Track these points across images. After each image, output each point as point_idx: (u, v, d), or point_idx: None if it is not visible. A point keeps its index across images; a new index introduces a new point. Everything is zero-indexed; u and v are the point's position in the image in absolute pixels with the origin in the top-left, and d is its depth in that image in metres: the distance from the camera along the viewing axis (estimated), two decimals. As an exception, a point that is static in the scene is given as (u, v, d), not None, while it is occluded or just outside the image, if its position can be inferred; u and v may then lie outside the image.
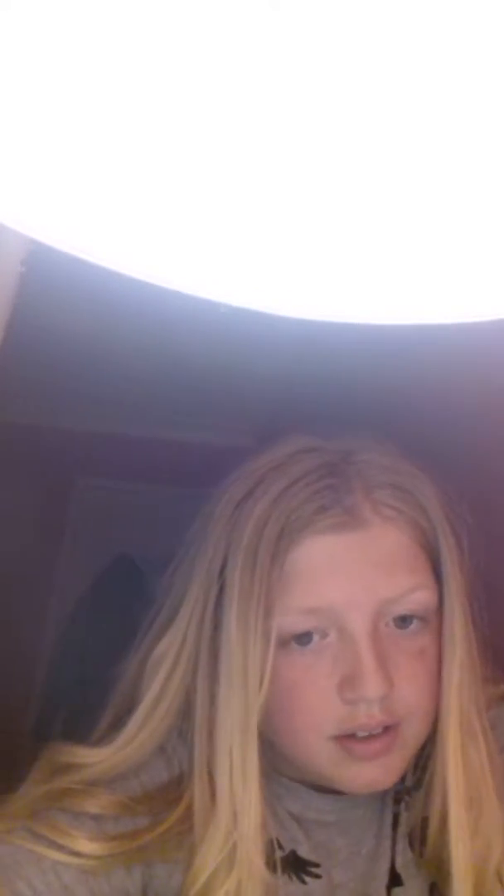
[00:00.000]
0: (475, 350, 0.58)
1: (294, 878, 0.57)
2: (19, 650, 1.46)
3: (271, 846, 0.55)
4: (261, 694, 0.52)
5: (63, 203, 0.27)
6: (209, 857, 0.51)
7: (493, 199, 0.27)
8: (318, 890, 0.57)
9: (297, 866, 0.57)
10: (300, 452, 0.57)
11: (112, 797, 0.54)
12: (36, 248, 0.41)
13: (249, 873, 0.51)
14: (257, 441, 0.92)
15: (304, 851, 0.58)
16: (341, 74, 0.24)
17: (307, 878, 0.57)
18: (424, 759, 0.58)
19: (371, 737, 0.53)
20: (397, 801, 0.60)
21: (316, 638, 0.54)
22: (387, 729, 0.53)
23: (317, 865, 0.57)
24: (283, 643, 0.53)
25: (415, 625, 0.55)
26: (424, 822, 0.58)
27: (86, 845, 0.51)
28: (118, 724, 0.57)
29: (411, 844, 0.59)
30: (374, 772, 0.54)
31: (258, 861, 0.52)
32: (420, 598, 0.55)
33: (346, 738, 0.53)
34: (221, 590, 0.55)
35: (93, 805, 0.53)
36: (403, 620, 0.55)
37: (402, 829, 0.59)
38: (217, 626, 0.55)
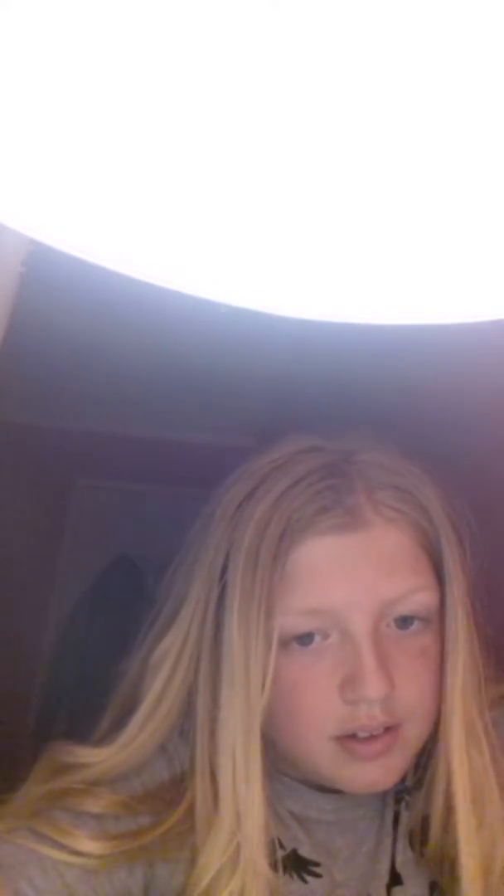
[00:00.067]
0: (475, 350, 0.58)
1: (295, 877, 0.57)
2: (19, 650, 1.45)
3: (273, 846, 0.55)
4: (263, 695, 0.52)
5: (63, 203, 0.27)
6: (213, 858, 0.51)
7: (493, 199, 0.27)
8: (319, 889, 0.57)
9: (298, 865, 0.57)
10: (301, 453, 0.57)
11: (113, 797, 0.54)
12: (36, 248, 0.42)
13: (253, 874, 0.51)
14: (257, 441, 0.92)
15: (305, 851, 0.58)
16: (341, 75, 0.24)
17: (308, 878, 0.57)
18: (425, 759, 0.58)
19: (372, 737, 0.53)
20: (398, 801, 0.60)
21: (317, 638, 0.54)
22: (388, 729, 0.53)
23: (318, 864, 0.57)
24: (285, 644, 0.53)
25: (416, 625, 0.55)
26: (425, 821, 0.58)
27: (87, 844, 0.51)
28: (119, 723, 0.57)
29: (411, 844, 0.59)
30: (375, 772, 0.54)
31: (262, 861, 0.52)
32: (421, 598, 0.55)
33: (348, 739, 0.53)
34: (223, 590, 0.55)
35: (94, 804, 0.53)
36: (405, 621, 0.55)
37: (403, 829, 0.59)
38: (218, 627, 0.55)
